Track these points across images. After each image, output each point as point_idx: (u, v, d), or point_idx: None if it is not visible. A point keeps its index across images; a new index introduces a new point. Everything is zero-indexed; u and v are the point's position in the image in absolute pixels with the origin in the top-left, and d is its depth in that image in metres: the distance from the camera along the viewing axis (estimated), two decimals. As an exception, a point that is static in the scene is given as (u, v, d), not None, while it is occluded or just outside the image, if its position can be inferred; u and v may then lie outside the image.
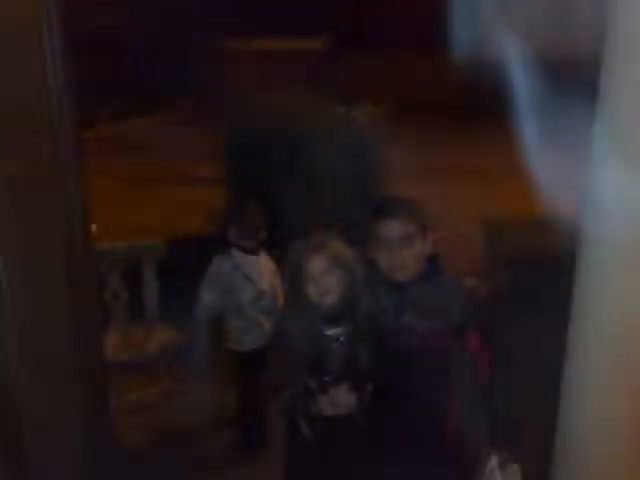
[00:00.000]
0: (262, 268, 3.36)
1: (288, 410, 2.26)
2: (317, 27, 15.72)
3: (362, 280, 2.15)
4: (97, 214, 2.93)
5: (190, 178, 9.07)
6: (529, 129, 6.45)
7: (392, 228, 2.13)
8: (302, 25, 14.69)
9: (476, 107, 12.78)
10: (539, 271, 3.94)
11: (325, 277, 2.12)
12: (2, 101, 1.98)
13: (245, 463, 3.37)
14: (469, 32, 8.83)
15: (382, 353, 2.14)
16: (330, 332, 2.16)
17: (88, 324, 2.52)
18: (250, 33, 14.65)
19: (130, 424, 3.57)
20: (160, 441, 3.62)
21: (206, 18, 13.53)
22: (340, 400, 2.18)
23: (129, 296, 4.23)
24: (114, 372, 3.32)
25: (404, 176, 5.18)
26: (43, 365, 2.19)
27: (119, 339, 4.08)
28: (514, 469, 2.10)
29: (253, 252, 3.34)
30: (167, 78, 13.34)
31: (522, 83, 6.70)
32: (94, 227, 2.89)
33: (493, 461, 2.07)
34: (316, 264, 2.12)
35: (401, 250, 2.12)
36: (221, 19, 13.61)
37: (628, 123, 1.65)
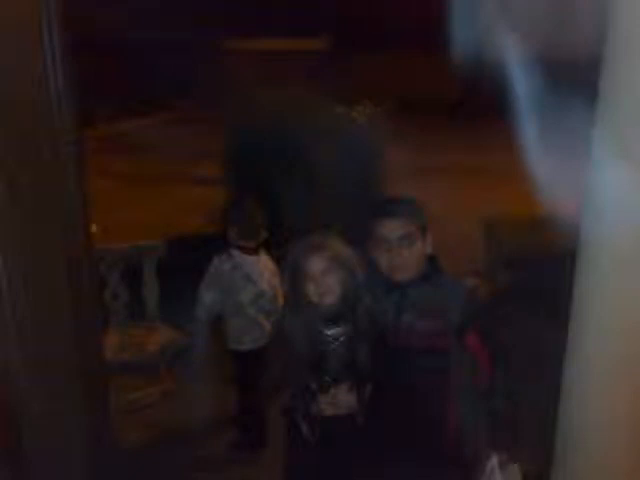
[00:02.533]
0: (262, 268, 3.36)
1: (288, 410, 2.26)
2: (317, 27, 15.74)
3: (362, 280, 2.15)
4: (97, 214, 2.93)
5: (190, 178, 9.08)
6: (529, 129, 6.46)
7: (392, 228, 2.13)
8: (302, 25, 14.70)
9: (476, 107, 12.80)
10: (539, 271, 3.94)
11: (325, 277, 2.12)
12: (2, 101, 1.98)
13: (245, 463, 3.37)
14: (469, 32, 8.83)
15: (382, 353, 2.15)
16: (330, 332, 2.16)
17: (88, 324, 2.52)
18: (250, 33, 14.66)
19: (130, 424, 3.58)
20: (160, 441, 3.62)
21: (206, 18, 13.54)
22: (340, 400, 2.18)
23: (129, 296, 4.23)
24: (114, 372, 3.32)
25: (404, 176, 5.18)
26: (43, 365, 2.19)
27: (119, 339, 4.09)
28: (514, 469, 2.11)
29: (253, 252, 3.34)
30: (167, 78, 13.35)
31: (522, 83, 6.71)
32: (94, 227, 2.90)
33: (493, 461, 2.07)
34: (316, 264, 2.12)
35: (401, 250, 2.12)
36: (221, 19, 13.62)
37: (628, 123, 1.65)
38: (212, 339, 3.45)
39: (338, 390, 2.17)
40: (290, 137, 5.23)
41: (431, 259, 2.21)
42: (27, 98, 2.15)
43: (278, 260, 3.23)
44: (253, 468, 3.28)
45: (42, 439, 2.21)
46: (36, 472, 2.21)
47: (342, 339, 2.16)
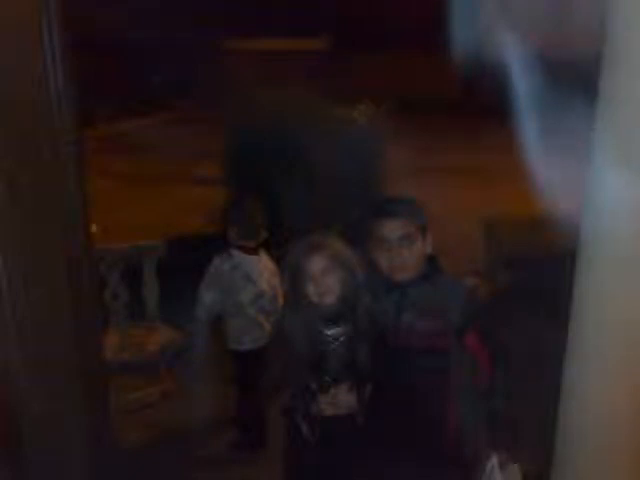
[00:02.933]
0: (262, 268, 3.36)
1: (288, 410, 2.26)
2: (317, 27, 15.74)
3: (362, 280, 2.15)
4: (97, 214, 2.93)
5: (190, 178, 9.08)
6: (529, 129, 6.46)
7: (392, 228, 2.13)
8: (302, 25, 14.71)
9: (476, 107, 12.79)
10: (539, 271, 3.94)
11: (325, 277, 2.12)
12: (2, 101, 1.98)
13: (245, 463, 3.37)
14: (469, 32, 8.83)
15: (382, 353, 2.15)
16: (330, 332, 2.16)
17: (88, 324, 2.52)
18: (250, 33, 14.66)
19: (130, 424, 3.58)
20: (160, 441, 3.62)
21: (206, 18, 13.54)
22: (340, 400, 2.18)
23: (129, 296, 4.23)
24: (114, 372, 3.32)
25: (404, 176, 5.18)
26: (43, 365, 2.19)
27: (119, 339, 4.09)
28: (514, 469, 2.11)
29: (253, 252, 3.34)
30: (167, 78, 13.36)
31: (522, 83, 6.71)
32: (94, 227, 2.89)
33: (493, 461, 2.07)
34: (316, 264, 2.12)
35: (401, 250, 2.12)
36: (221, 19, 13.62)
37: (628, 123, 1.65)
38: (212, 339, 3.45)
39: (338, 390, 2.17)
40: (290, 137, 5.22)
41: (431, 259, 2.21)
42: (27, 98, 2.15)
43: (278, 260, 3.22)
44: (253, 468, 3.28)
45: (42, 439, 2.21)
46: (36, 472, 2.21)
47: (342, 339, 2.16)
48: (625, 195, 1.65)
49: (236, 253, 3.32)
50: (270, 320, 3.34)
